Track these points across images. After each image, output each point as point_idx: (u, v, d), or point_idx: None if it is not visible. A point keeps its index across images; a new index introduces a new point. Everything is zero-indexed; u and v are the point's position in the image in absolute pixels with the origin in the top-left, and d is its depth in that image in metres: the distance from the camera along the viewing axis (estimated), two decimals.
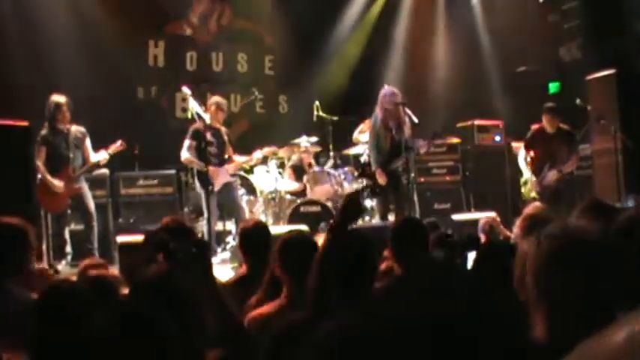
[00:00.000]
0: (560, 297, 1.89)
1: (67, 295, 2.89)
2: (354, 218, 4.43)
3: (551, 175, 9.29)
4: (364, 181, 9.26)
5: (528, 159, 9.50)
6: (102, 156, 8.85)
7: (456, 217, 8.94)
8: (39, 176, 8.64)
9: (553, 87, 12.27)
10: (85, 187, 8.91)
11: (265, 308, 3.51)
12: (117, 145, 8.89)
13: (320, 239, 4.48)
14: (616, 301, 1.89)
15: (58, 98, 8.71)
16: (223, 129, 9.40)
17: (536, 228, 4.33)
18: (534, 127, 9.59)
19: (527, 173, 9.54)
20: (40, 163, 8.60)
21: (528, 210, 5.18)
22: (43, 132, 8.69)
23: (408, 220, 4.99)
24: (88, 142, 8.89)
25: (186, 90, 8.99)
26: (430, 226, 4.84)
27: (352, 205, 4.27)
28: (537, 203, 5.58)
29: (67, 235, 8.90)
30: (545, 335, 1.89)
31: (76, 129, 8.82)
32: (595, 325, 1.07)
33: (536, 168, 9.44)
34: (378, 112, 8.93)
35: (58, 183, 8.62)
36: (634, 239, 2.49)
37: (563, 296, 1.89)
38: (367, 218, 9.52)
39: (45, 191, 8.62)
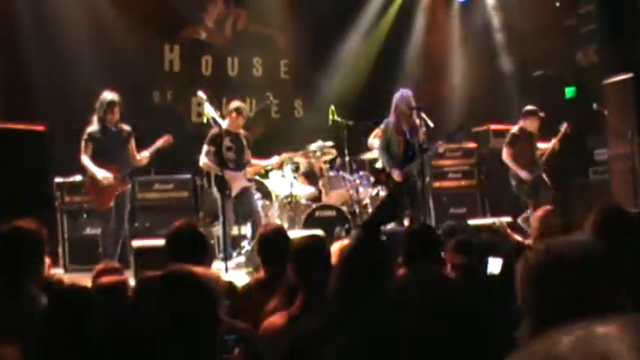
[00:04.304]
0: (540, 310, 1.90)
1: (74, 301, 2.89)
2: (389, 219, 4.39)
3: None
4: (381, 188, 9.23)
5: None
6: (144, 154, 8.78)
7: (472, 221, 8.89)
8: (90, 172, 8.44)
9: (569, 91, 12.20)
10: (129, 186, 8.81)
11: (277, 317, 3.48)
12: (164, 140, 8.82)
13: (335, 245, 4.47)
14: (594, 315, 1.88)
15: (113, 96, 8.48)
16: (243, 132, 9.36)
17: (547, 232, 4.30)
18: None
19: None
20: (86, 158, 8.42)
21: (539, 214, 5.12)
22: (92, 128, 8.45)
23: (422, 228, 4.95)
24: (132, 140, 8.73)
25: (201, 95, 8.99)
26: (448, 230, 4.79)
27: (390, 205, 4.24)
28: (547, 206, 5.53)
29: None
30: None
31: (124, 127, 8.68)
32: None
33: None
34: (391, 115, 8.90)
35: (106, 174, 8.37)
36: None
37: (543, 309, 1.90)
38: None
39: (94, 186, 8.47)
